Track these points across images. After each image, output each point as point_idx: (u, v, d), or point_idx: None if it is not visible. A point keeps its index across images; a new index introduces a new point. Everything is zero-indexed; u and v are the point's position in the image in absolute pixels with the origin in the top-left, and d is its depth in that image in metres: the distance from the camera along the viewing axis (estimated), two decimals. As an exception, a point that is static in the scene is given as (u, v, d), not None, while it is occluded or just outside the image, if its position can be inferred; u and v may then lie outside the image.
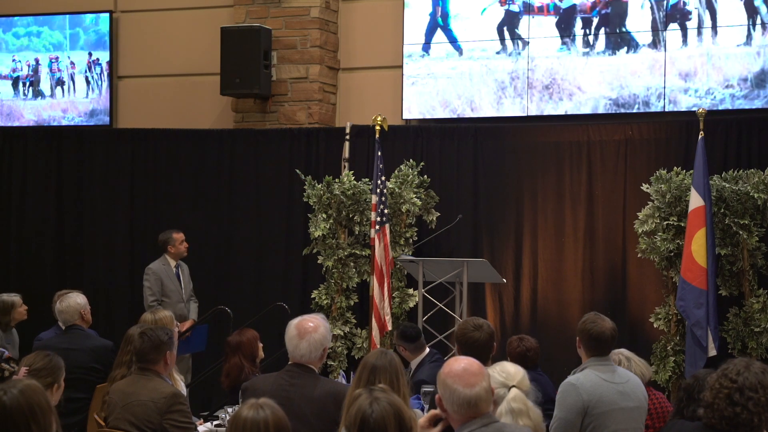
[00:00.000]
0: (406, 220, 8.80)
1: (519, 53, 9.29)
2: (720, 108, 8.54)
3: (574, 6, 9.15)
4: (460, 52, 9.46)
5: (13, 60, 10.79)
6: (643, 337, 8.27)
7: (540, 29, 9.22)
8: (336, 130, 9.45)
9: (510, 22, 9.37)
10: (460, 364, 3.65)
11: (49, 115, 10.63)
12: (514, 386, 3.99)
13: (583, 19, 9.15)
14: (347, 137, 9.26)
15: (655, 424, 5.51)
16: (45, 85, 10.64)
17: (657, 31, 8.88)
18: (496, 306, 8.84)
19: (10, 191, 10.30)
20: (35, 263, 10.15)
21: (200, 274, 9.25)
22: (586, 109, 8.95)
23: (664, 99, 8.76)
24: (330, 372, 8.64)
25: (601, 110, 8.89)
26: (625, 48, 8.97)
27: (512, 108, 9.19)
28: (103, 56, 10.38)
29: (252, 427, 3.15)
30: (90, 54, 10.51)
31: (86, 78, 10.53)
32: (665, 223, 7.94)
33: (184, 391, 5.75)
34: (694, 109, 8.19)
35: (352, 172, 8.99)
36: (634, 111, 8.79)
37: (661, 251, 7.90)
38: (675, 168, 8.06)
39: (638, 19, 8.94)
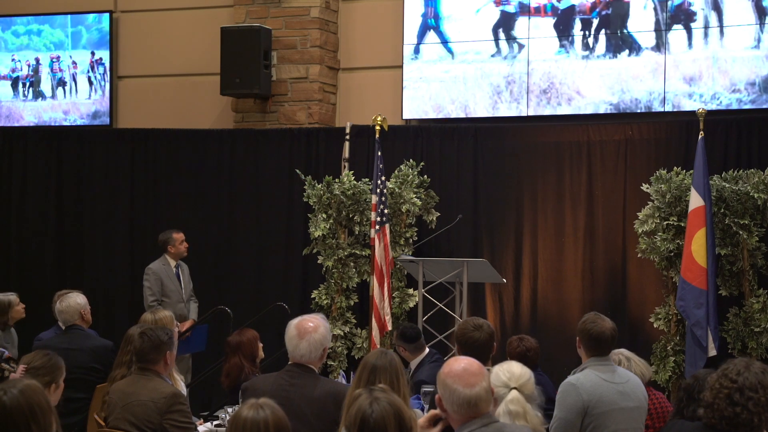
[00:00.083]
0: (406, 220, 8.80)
1: (515, 56, 9.04)
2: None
3: (572, 6, 8.91)
4: (453, 55, 9.23)
5: (13, 59, 10.61)
6: (643, 337, 8.28)
7: (537, 31, 8.98)
8: (336, 130, 9.45)
9: (505, 23, 9.09)
10: (460, 364, 3.65)
11: (50, 117, 10.49)
12: (514, 388, 3.99)
13: (582, 20, 8.89)
14: (347, 137, 9.26)
15: (655, 424, 5.51)
16: (46, 85, 10.50)
17: (660, 32, 8.62)
18: (496, 306, 8.84)
19: (10, 191, 10.30)
20: (35, 263, 10.15)
21: (200, 274, 9.25)
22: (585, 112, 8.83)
23: (668, 104, 8.59)
24: (330, 372, 8.64)
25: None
26: (627, 50, 8.74)
27: (508, 113, 9.03)
28: (106, 56, 10.27)
29: (252, 427, 3.15)
30: (93, 53, 10.34)
31: (89, 78, 10.34)
32: (665, 223, 7.94)
33: (184, 391, 5.75)
34: (694, 109, 8.18)
35: (352, 172, 8.99)
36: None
37: (661, 251, 7.90)
38: (675, 168, 8.06)
39: (640, 20, 8.70)
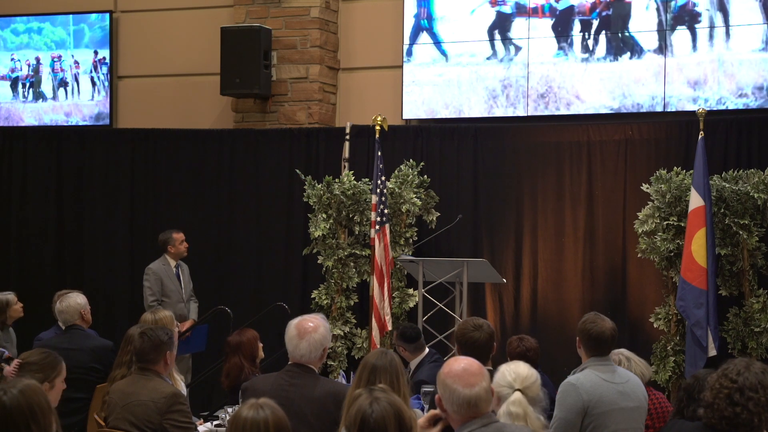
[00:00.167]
0: (406, 220, 8.80)
1: (511, 59, 8.79)
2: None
3: (571, 7, 8.68)
4: (447, 58, 9.01)
5: (12, 59, 10.36)
6: (643, 337, 8.28)
7: (534, 32, 8.73)
8: (336, 130, 9.45)
9: (501, 24, 8.82)
10: (459, 364, 3.65)
11: (51, 119, 10.32)
12: (518, 390, 3.99)
13: (581, 21, 8.64)
14: (347, 137, 9.26)
15: (655, 424, 5.51)
16: (46, 86, 10.31)
17: (663, 34, 8.37)
18: (496, 306, 8.84)
19: (10, 191, 10.29)
20: (35, 263, 10.15)
21: (200, 274, 9.25)
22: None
23: (670, 109, 8.42)
24: (330, 372, 8.64)
25: (600, 117, 8.69)
26: (628, 53, 8.50)
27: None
28: (108, 55, 10.08)
29: (252, 427, 3.15)
30: (96, 52, 10.10)
31: (92, 79, 10.10)
32: (665, 223, 7.94)
33: (184, 391, 5.75)
34: (694, 109, 8.17)
35: (352, 172, 8.99)
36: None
37: (661, 251, 7.90)
38: (675, 168, 8.05)
39: (642, 22, 8.47)
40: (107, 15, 10.18)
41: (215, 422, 5.72)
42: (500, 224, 8.93)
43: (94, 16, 10.22)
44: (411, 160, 8.87)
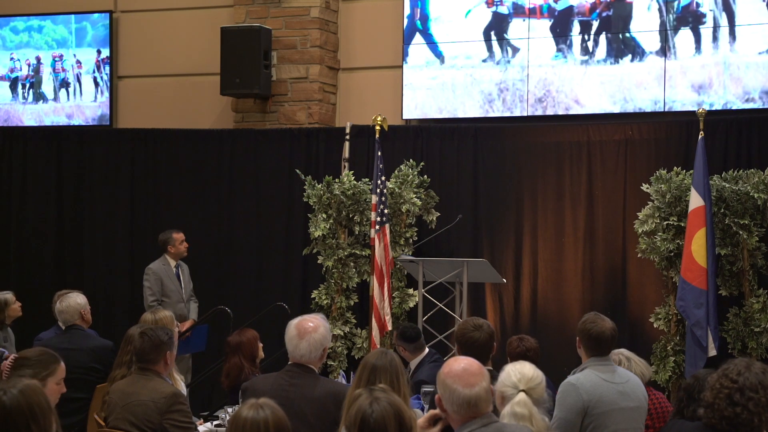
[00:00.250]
0: (406, 220, 8.80)
1: (508, 61, 8.59)
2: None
3: (571, 8, 8.47)
4: (442, 60, 8.83)
5: (11, 59, 10.12)
6: (643, 337, 8.28)
7: (532, 34, 8.51)
8: (336, 130, 9.45)
9: (498, 25, 8.57)
10: (459, 364, 3.65)
11: (52, 121, 10.16)
12: (523, 390, 3.98)
13: (581, 22, 8.44)
14: (347, 137, 9.26)
15: (655, 424, 5.51)
16: (47, 87, 10.12)
17: (666, 35, 8.15)
18: (496, 306, 8.84)
19: (10, 191, 10.29)
20: (35, 263, 10.15)
21: (200, 274, 9.26)
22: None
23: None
24: (330, 372, 8.64)
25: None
26: (629, 55, 8.30)
27: (501, 124, 8.63)
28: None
29: (252, 427, 3.15)
30: (99, 52, 9.87)
31: (94, 79, 9.85)
32: (665, 223, 7.93)
33: (184, 391, 5.75)
34: (694, 109, 8.17)
35: (352, 172, 8.99)
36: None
37: (661, 251, 7.90)
38: (675, 168, 8.05)
39: (644, 23, 8.26)
40: (107, 15, 10.14)
41: (215, 422, 5.72)
42: (500, 224, 8.92)
43: (96, 14, 10.10)
44: (411, 160, 8.87)
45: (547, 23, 8.61)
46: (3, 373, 5.19)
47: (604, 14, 8.48)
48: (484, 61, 8.74)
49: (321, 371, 4.87)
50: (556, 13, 8.62)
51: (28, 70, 10.22)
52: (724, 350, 7.74)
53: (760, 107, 8.28)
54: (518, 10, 8.63)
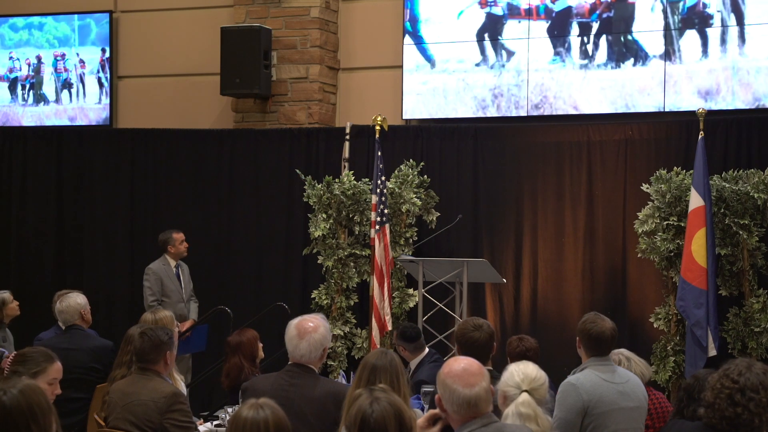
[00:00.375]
0: (406, 220, 8.80)
1: (503, 65, 8.30)
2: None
3: (569, 8, 8.17)
4: (433, 64, 8.57)
5: (10, 58, 9.81)
6: (643, 337, 8.28)
7: (528, 36, 8.19)
8: (336, 130, 9.46)
9: (492, 27, 8.23)
10: (459, 364, 3.65)
11: (53, 124, 9.97)
12: (525, 391, 3.98)
13: (580, 24, 8.13)
14: (347, 137, 9.26)
15: (655, 424, 5.51)
16: (48, 87, 9.90)
17: (670, 37, 7.82)
18: (496, 306, 8.84)
19: (10, 191, 10.29)
20: (35, 263, 10.15)
21: (200, 274, 9.26)
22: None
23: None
24: (330, 372, 8.64)
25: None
26: (631, 59, 8.00)
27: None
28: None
29: (252, 427, 3.15)
30: (103, 50, 9.60)
31: (98, 79, 9.53)
32: (665, 223, 7.93)
33: (184, 391, 5.75)
34: (694, 109, 8.16)
35: (352, 172, 8.99)
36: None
37: (661, 251, 7.90)
38: (675, 168, 8.05)
39: (647, 24, 7.92)
40: (107, 15, 10.11)
41: (215, 422, 5.72)
42: (500, 224, 8.93)
43: (97, 14, 9.98)
44: (411, 160, 8.87)
45: (544, 25, 8.32)
46: (4, 371, 5.19)
47: (604, 15, 8.19)
48: (477, 65, 8.48)
49: (321, 371, 4.87)
50: (554, 15, 8.33)
51: (28, 70, 10.01)
52: (724, 350, 7.74)
53: (760, 107, 8.29)
54: (513, 11, 8.31)
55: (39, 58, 9.85)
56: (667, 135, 8.50)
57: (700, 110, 7.86)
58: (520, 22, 8.21)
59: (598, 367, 4.89)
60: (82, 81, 9.69)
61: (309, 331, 4.65)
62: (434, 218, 8.83)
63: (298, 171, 9.02)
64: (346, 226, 8.89)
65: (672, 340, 7.92)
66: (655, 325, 8.04)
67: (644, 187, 8.10)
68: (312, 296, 8.87)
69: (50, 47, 9.71)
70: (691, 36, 7.83)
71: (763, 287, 7.86)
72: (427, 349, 7.02)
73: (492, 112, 8.65)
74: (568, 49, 8.26)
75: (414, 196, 8.69)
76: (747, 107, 8.11)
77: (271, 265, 9.43)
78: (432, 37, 8.49)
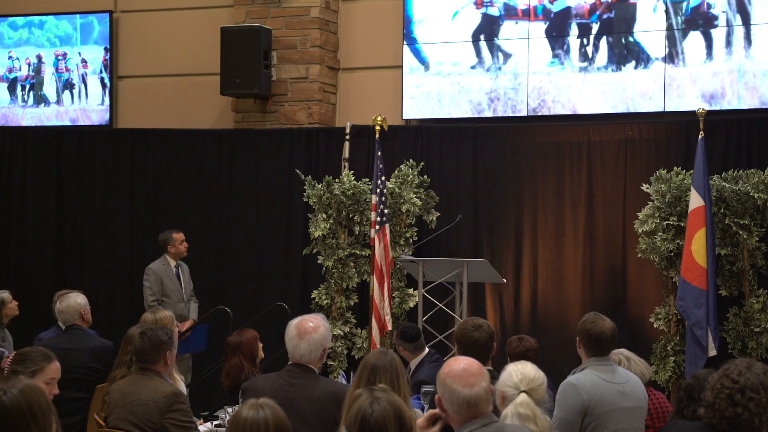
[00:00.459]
0: (406, 220, 8.80)
1: (500, 68, 8.11)
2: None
3: (568, 9, 7.95)
4: (427, 67, 8.41)
5: (10, 57, 9.62)
6: (643, 337, 8.28)
7: (526, 38, 7.96)
8: (336, 130, 9.46)
9: (488, 29, 8.02)
10: (459, 364, 3.65)
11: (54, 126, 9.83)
12: (524, 391, 3.98)
13: (579, 25, 7.92)
14: (347, 137, 9.26)
15: (655, 424, 5.51)
16: (49, 88, 9.75)
17: (673, 39, 7.60)
18: (496, 306, 8.84)
19: (10, 191, 10.29)
20: (35, 263, 10.15)
21: (200, 274, 9.26)
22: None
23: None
24: (330, 372, 8.65)
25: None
26: (633, 61, 7.80)
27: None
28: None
29: (252, 427, 3.15)
30: (106, 50, 9.45)
31: (101, 80, 9.36)
32: (665, 223, 7.93)
33: (184, 390, 5.75)
34: (694, 109, 8.15)
35: (352, 172, 8.99)
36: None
37: (661, 251, 7.90)
38: (675, 168, 8.05)
39: (649, 25, 7.71)
40: (107, 15, 10.10)
41: (215, 422, 5.72)
42: (500, 224, 8.93)
43: (97, 14, 9.92)
44: (411, 160, 8.87)
45: (542, 26, 8.10)
46: (4, 371, 5.19)
47: (604, 16, 7.98)
48: (472, 67, 8.29)
49: (321, 371, 4.87)
50: (552, 15, 8.12)
51: (29, 70, 9.84)
52: (724, 350, 7.74)
53: (760, 107, 8.28)
54: (510, 12, 8.10)
55: (39, 58, 9.66)
56: (667, 135, 8.50)
57: (700, 110, 7.85)
58: (517, 23, 8.01)
59: (598, 367, 4.89)
60: (84, 81, 9.48)
61: (309, 331, 4.65)
62: (434, 218, 8.83)
63: (298, 171, 9.03)
64: (346, 226, 8.89)
65: (672, 340, 7.92)
66: (655, 325, 8.04)
67: (644, 187, 8.10)
68: (312, 296, 8.87)
69: (51, 46, 9.50)
70: (695, 37, 7.62)
71: (763, 287, 7.86)
72: (427, 349, 7.03)
73: (488, 116, 8.59)
74: (567, 51, 8.07)
75: (414, 196, 8.69)
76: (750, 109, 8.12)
77: (271, 265, 9.43)
78: (426, 39, 8.30)
